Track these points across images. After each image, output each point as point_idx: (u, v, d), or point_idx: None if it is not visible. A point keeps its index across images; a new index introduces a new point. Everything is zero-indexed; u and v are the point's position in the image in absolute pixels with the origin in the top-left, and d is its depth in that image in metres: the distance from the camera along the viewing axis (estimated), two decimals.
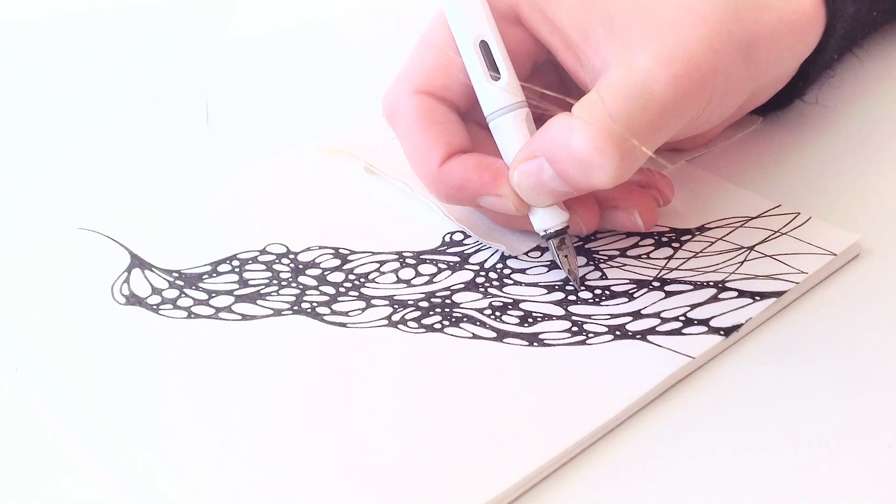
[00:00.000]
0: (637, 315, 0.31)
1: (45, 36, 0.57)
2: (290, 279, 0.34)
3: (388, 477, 0.26)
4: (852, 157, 0.40)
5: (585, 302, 0.32)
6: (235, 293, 0.33)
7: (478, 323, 0.31)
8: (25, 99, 0.50)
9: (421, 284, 0.33)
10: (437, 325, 0.31)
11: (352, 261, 0.34)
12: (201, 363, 0.30)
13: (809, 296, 0.32)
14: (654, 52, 0.30)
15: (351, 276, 0.34)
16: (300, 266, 0.34)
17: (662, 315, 0.31)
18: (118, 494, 0.26)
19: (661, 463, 0.27)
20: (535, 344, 0.30)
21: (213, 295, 0.33)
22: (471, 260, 0.34)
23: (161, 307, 0.32)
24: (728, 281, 0.32)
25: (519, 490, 0.26)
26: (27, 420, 0.29)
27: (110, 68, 0.53)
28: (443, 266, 0.34)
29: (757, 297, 0.31)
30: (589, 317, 0.31)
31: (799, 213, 0.35)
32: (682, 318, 0.31)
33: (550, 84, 0.36)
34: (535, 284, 0.33)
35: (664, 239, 0.35)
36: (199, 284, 0.33)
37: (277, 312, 0.32)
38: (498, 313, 0.32)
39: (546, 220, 0.33)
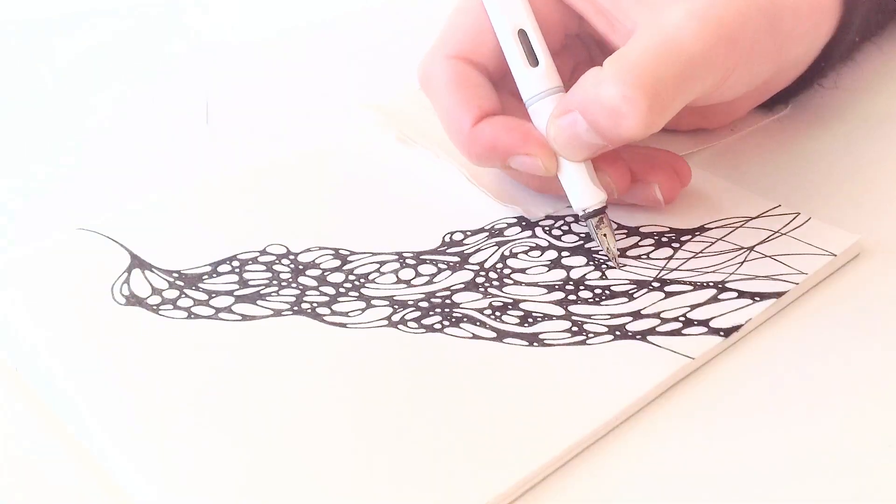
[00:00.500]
0: (637, 315, 0.31)
1: (45, 36, 0.57)
2: (290, 280, 0.34)
3: (388, 477, 0.26)
4: (852, 157, 0.40)
5: (585, 302, 0.32)
6: (235, 293, 0.33)
7: (478, 323, 0.31)
8: (25, 99, 0.50)
9: (421, 285, 0.33)
10: (437, 326, 0.31)
11: (352, 261, 0.34)
12: (201, 364, 0.30)
13: (809, 296, 0.32)
14: (684, 10, 0.31)
15: (351, 277, 0.34)
16: (300, 266, 0.34)
17: (662, 315, 0.31)
18: (118, 494, 0.26)
19: (661, 463, 0.27)
20: (534, 344, 0.30)
21: (213, 295, 0.33)
22: (471, 260, 0.34)
23: (161, 307, 0.32)
24: (728, 281, 0.32)
25: (519, 490, 0.26)
26: (27, 420, 0.29)
27: (110, 68, 0.53)
28: (443, 266, 0.34)
29: (757, 298, 0.31)
30: (589, 317, 0.31)
31: (799, 214, 0.35)
32: (682, 319, 0.31)
33: (581, 62, 0.37)
34: (535, 284, 0.33)
35: (664, 239, 0.35)
36: (199, 285, 0.33)
37: (277, 313, 0.32)
38: (498, 313, 0.32)
39: (585, 199, 0.33)
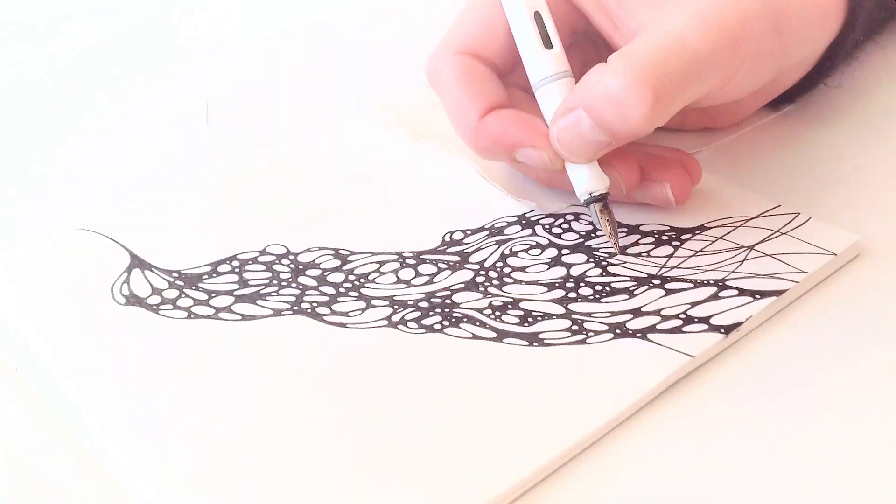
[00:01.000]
0: (637, 312, 0.31)
1: (44, 36, 0.57)
2: (290, 279, 0.34)
3: (388, 477, 0.26)
4: (853, 156, 0.40)
5: (586, 299, 0.32)
6: (235, 293, 0.33)
7: (477, 323, 0.31)
8: (25, 99, 0.50)
9: (421, 285, 0.33)
10: (437, 326, 0.31)
11: (352, 261, 0.34)
12: (201, 363, 0.30)
13: (809, 295, 0.32)
14: (688, 12, 0.31)
15: (351, 277, 0.34)
16: (300, 266, 0.34)
17: (663, 313, 0.31)
18: (118, 494, 0.26)
19: (661, 463, 0.27)
20: (534, 344, 0.30)
21: (213, 295, 0.33)
22: (471, 259, 0.34)
23: (161, 307, 0.32)
24: (728, 279, 0.32)
25: (519, 490, 0.26)
26: (27, 420, 0.29)
27: (110, 68, 0.53)
28: (442, 266, 0.34)
29: (757, 296, 0.31)
30: (589, 315, 0.31)
31: (799, 213, 0.35)
32: (683, 316, 0.31)
33: (589, 59, 0.37)
34: (536, 282, 0.33)
35: (664, 237, 0.35)
36: (199, 285, 0.33)
37: (277, 312, 0.32)
38: (498, 313, 0.32)
39: (588, 184, 0.34)
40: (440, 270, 0.34)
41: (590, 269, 0.33)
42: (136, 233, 0.36)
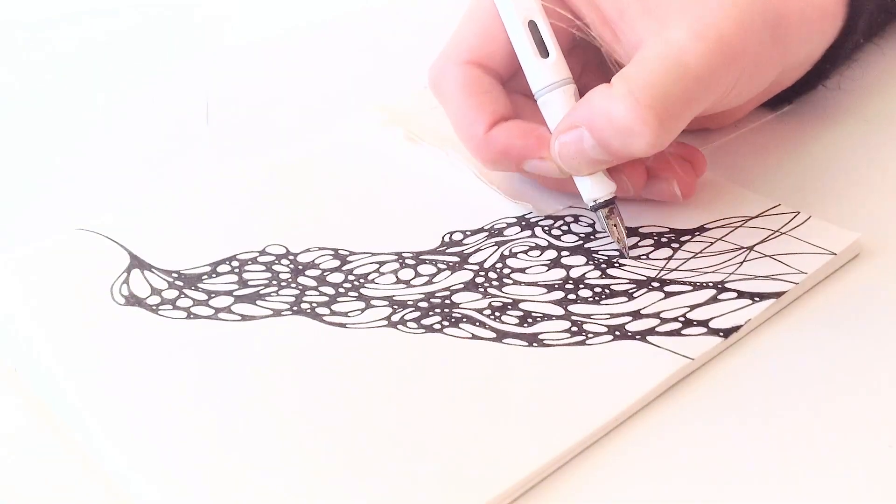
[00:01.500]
0: (636, 315, 0.31)
1: (45, 36, 0.57)
2: (290, 280, 0.34)
3: (388, 477, 0.26)
4: (852, 156, 0.40)
5: (585, 301, 0.32)
6: (235, 294, 0.33)
7: (477, 323, 0.31)
8: (25, 99, 0.50)
9: (420, 285, 0.33)
10: (437, 326, 0.31)
11: (351, 261, 0.34)
12: (201, 364, 0.30)
13: (809, 295, 0.32)
14: (687, 28, 0.31)
15: (350, 277, 0.34)
16: (300, 267, 0.34)
17: (662, 315, 0.31)
18: (118, 494, 0.26)
19: (660, 463, 0.27)
20: (534, 344, 0.30)
21: (213, 295, 0.33)
22: (470, 260, 0.34)
23: (160, 307, 0.32)
24: (727, 282, 0.32)
25: (519, 490, 0.26)
26: (27, 420, 0.29)
27: (110, 68, 0.53)
28: (442, 266, 0.34)
29: (756, 299, 0.31)
30: (588, 316, 0.31)
31: (798, 213, 0.35)
32: (682, 319, 0.31)
33: (587, 62, 0.37)
34: (535, 284, 0.33)
35: (664, 239, 0.35)
36: (199, 285, 0.33)
37: (277, 313, 0.32)
38: (497, 314, 0.32)
39: (594, 190, 0.34)
40: (440, 271, 0.34)
41: (589, 271, 0.33)
42: (135, 233, 0.36)
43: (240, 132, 0.45)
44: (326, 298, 0.33)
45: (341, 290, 0.33)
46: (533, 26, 0.34)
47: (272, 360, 0.30)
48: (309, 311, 0.32)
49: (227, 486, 0.26)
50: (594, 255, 0.34)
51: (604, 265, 0.34)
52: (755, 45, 0.33)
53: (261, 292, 0.33)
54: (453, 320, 0.31)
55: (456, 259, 0.34)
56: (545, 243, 0.35)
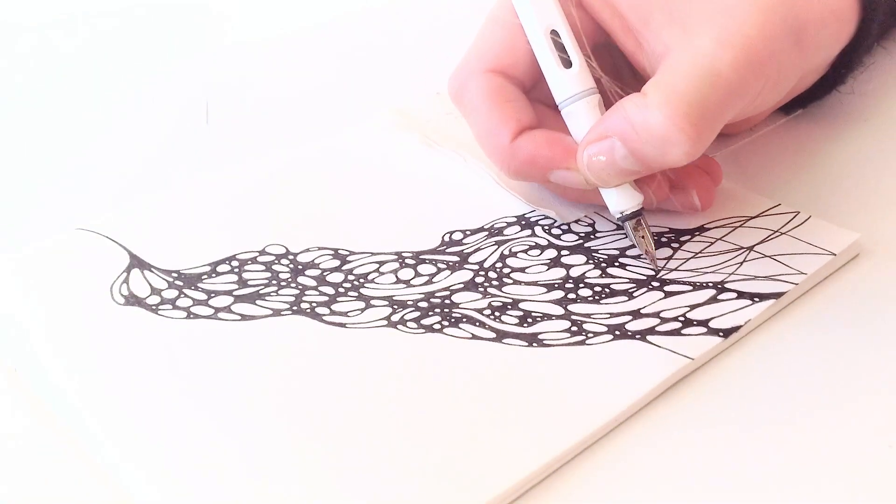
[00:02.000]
0: (636, 314, 0.31)
1: (45, 36, 0.57)
2: (290, 279, 0.34)
3: (388, 477, 0.26)
4: (852, 156, 0.40)
5: (585, 300, 0.32)
6: (235, 293, 0.33)
7: (477, 323, 0.31)
8: (25, 99, 0.50)
9: (420, 285, 0.33)
10: (437, 326, 0.31)
11: (351, 261, 0.34)
12: (200, 363, 0.30)
13: (809, 296, 0.32)
14: (715, 37, 0.31)
15: (350, 277, 0.34)
16: (299, 266, 0.34)
17: (662, 315, 0.31)
18: (117, 494, 0.26)
19: (660, 463, 0.27)
20: (534, 344, 0.30)
21: (213, 295, 0.33)
22: (470, 259, 0.34)
23: (160, 307, 0.32)
24: (727, 282, 0.32)
25: (519, 490, 0.26)
26: (27, 420, 0.29)
27: (110, 68, 0.53)
28: (442, 266, 0.34)
29: (756, 299, 0.31)
30: (588, 316, 0.31)
31: (798, 213, 0.35)
32: (682, 319, 0.31)
33: (605, 69, 0.37)
34: (535, 283, 0.33)
35: (663, 239, 0.35)
36: (199, 285, 0.33)
37: (277, 312, 0.32)
38: (497, 313, 0.32)
39: (621, 202, 0.33)
40: (439, 270, 0.34)
41: (589, 270, 0.33)
42: (135, 233, 0.36)
43: (240, 132, 0.45)
44: (326, 298, 0.33)
45: (341, 289, 0.33)
46: (555, 36, 0.34)
47: (272, 360, 0.30)
48: (309, 310, 0.32)
49: (226, 486, 0.26)
50: (594, 254, 0.34)
51: (604, 264, 0.34)
52: (779, 52, 0.33)
53: (260, 292, 0.33)
54: (453, 320, 0.31)
55: (456, 259, 0.34)
56: (545, 242, 0.35)
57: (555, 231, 0.36)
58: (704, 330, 0.30)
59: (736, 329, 0.30)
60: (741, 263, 0.33)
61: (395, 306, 0.32)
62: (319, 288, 0.33)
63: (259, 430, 0.28)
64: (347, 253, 0.35)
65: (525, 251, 0.35)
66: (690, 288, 0.32)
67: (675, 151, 0.31)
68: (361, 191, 0.38)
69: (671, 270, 0.33)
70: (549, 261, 0.34)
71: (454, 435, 0.27)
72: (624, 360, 0.29)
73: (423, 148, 0.41)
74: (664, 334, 0.30)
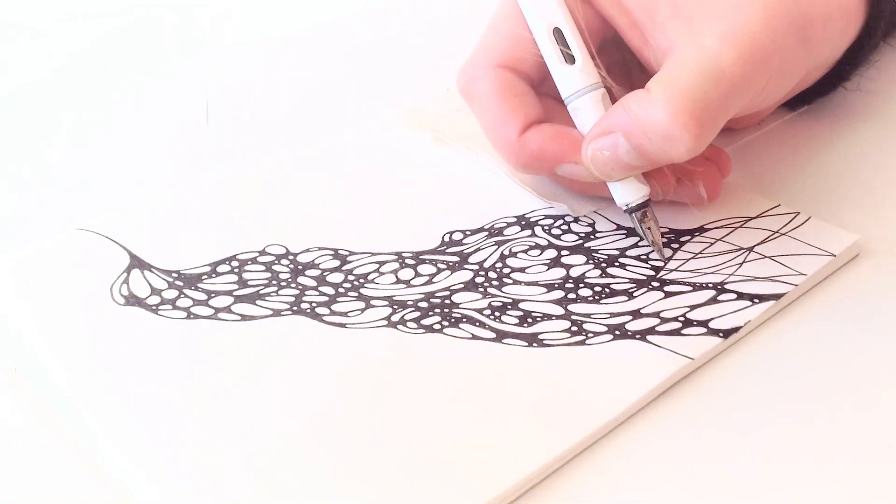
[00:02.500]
0: (636, 314, 0.31)
1: (44, 36, 0.57)
2: (290, 280, 0.34)
3: (388, 477, 0.26)
4: (853, 156, 0.40)
5: (585, 300, 0.32)
6: (235, 293, 0.33)
7: (477, 323, 0.31)
8: (25, 99, 0.50)
9: (420, 285, 0.33)
10: (437, 326, 0.31)
11: (351, 261, 0.34)
12: (200, 363, 0.30)
13: (809, 296, 0.32)
14: (719, 32, 0.31)
15: (350, 277, 0.34)
16: (299, 267, 0.34)
17: (662, 315, 0.31)
18: (117, 494, 0.26)
19: (660, 463, 0.27)
20: (534, 344, 0.30)
21: (213, 295, 0.33)
22: (470, 260, 0.34)
23: (160, 307, 0.32)
24: (727, 283, 0.32)
25: (519, 490, 0.26)
26: (27, 420, 0.29)
27: (110, 68, 0.53)
28: (442, 266, 0.34)
29: (756, 300, 0.31)
30: (588, 316, 0.31)
31: (798, 213, 0.35)
32: (682, 319, 0.31)
33: (614, 64, 0.37)
34: (535, 283, 0.33)
35: (664, 240, 0.35)
36: (199, 285, 0.33)
37: (277, 313, 0.32)
38: (497, 314, 0.32)
39: (627, 194, 0.34)
40: (440, 271, 0.34)
41: (589, 270, 0.34)
42: (135, 233, 0.36)
43: (240, 132, 0.45)
44: (326, 298, 0.33)
45: (341, 289, 0.33)
46: (558, 33, 0.34)
47: (272, 361, 0.30)
48: (309, 310, 0.32)
49: (227, 486, 0.26)
50: (594, 254, 0.34)
51: (604, 264, 0.34)
52: (784, 48, 0.33)
53: (261, 292, 0.33)
54: (453, 320, 0.31)
55: (456, 259, 0.34)
56: (545, 242, 0.35)
57: (555, 231, 0.36)
58: (704, 330, 0.30)
59: (736, 330, 0.30)
60: (741, 264, 0.33)
61: (395, 306, 0.32)
62: (319, 288, 0.33)
63: (259, 430, 0.28)
64: (347, 253, 0.35)
65: (525, 251, 0.35)
66: (690, 288, 0.32)
67: (678, 147, 0.31)
68: (361, 191, 0.38)
69: (671, 271, 0.33)
70: (549, 261, 0.34)
71: (454, 435, 0.27)
72: (624, 360, 0.29)
73: (427, 147, 0.41)
74: (664, 334, 0.30)
